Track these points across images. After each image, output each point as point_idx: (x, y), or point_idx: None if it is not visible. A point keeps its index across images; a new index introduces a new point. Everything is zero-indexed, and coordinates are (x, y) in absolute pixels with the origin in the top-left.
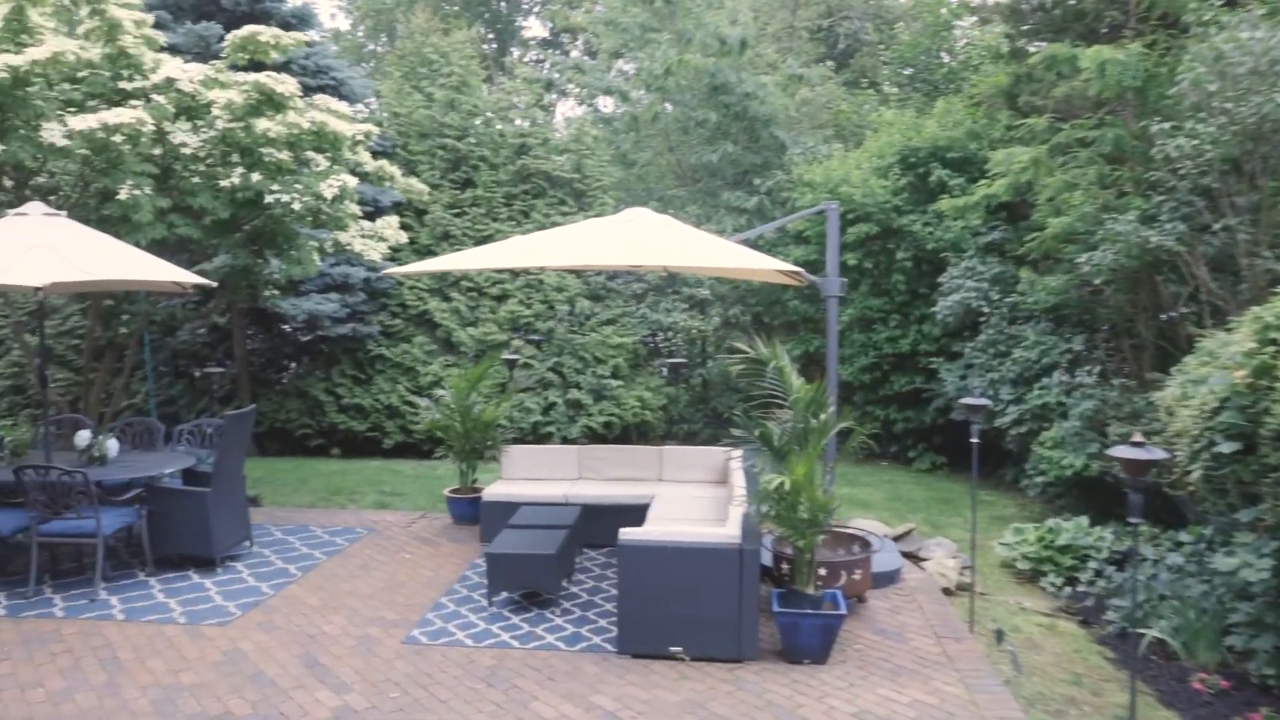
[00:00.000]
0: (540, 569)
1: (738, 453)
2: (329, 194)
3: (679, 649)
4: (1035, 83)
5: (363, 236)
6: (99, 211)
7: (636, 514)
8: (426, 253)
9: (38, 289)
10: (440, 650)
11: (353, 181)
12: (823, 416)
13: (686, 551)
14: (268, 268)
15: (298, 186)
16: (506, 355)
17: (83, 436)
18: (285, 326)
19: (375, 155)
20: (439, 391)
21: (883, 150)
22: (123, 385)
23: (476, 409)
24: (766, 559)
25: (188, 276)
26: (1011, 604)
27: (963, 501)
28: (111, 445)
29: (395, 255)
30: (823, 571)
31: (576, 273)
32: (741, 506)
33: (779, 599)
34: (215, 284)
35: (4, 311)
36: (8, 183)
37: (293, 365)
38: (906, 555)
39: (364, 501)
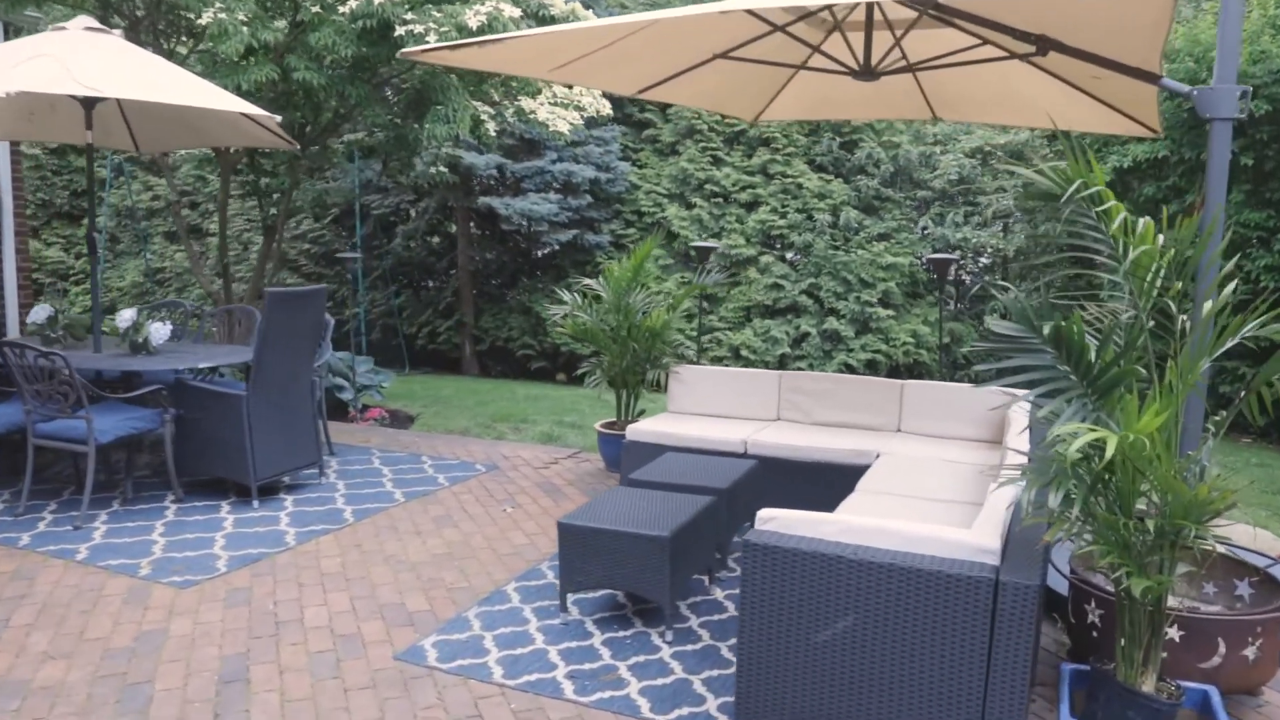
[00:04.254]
0: (642, 560)
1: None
2: (474, 24)
3: None
4: None
5: (551, 104)
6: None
7: (852, 479)
8: (669, 151)
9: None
10: (441, 682)
11: (510, 10)
12: (1206, 307)
13: (878, 568)
14: (419, 134)
15: (436, 14)
16: (700, 243)
17: (124, 316)
18: (517, 235)
19: None
20: (587, 281)
21: None
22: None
23: (641, 312)
24: (1058, 583)
25: (242, 105)
26: None
27: None
28: (157, 329)
29: (604, 129)
30: (1176, 634)
31: (844, 177)
32: (1013, 489)
33: (1075, 685)
34: (275, 118)
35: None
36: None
37: (523, 280)
38: None
39: (530, 432)
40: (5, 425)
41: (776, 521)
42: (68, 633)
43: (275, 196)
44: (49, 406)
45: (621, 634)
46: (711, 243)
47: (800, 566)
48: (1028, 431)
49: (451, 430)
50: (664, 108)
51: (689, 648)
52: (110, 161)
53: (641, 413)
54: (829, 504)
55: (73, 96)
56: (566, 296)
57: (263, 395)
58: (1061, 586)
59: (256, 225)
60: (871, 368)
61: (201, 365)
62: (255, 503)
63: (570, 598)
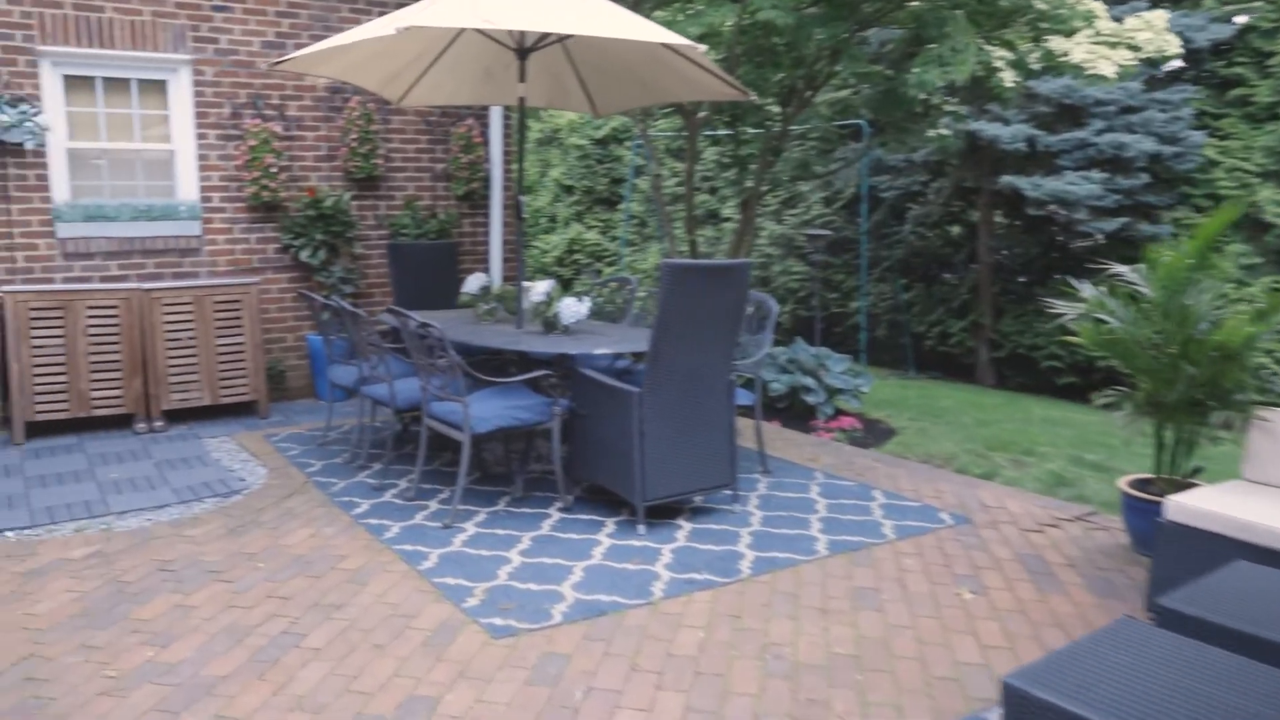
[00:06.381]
0: None
1: None
2: None
3: None
4: None
5: (1094, 42)
6: None
7: None
8: (1266, 115)
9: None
10: None
11: None
12: None
13: None
14: (905, 84)
15: None
16: None
17: (538, 290)
18: (1050, 225)
19: None
20: (1119, 270)
21: None
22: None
23: (1208, 320)
24: None
25: (661, 34)
26: None
27: None
28: (569, 306)
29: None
30: None
31: None
32: None
33: None
34: (699, 47)
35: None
36: None
37: (1055, 277)
38: None
39: (1034, 471)
40: (409, 400)
41: None
42: (342, 673)
43: (752, 168)
44: (433, 384)
45: None
46: None
47: None
48: None
49: (931, 456)
50: (1261, 58)
51: None
52: (636, 148)
53: (1197, 471)
54: None
55: (508, 47)
56: (1087, 291)
57: (659, 395)
58: None
59: (768, 210)
60: None
61: (599, 350)
62: (641, 527)
63: None
